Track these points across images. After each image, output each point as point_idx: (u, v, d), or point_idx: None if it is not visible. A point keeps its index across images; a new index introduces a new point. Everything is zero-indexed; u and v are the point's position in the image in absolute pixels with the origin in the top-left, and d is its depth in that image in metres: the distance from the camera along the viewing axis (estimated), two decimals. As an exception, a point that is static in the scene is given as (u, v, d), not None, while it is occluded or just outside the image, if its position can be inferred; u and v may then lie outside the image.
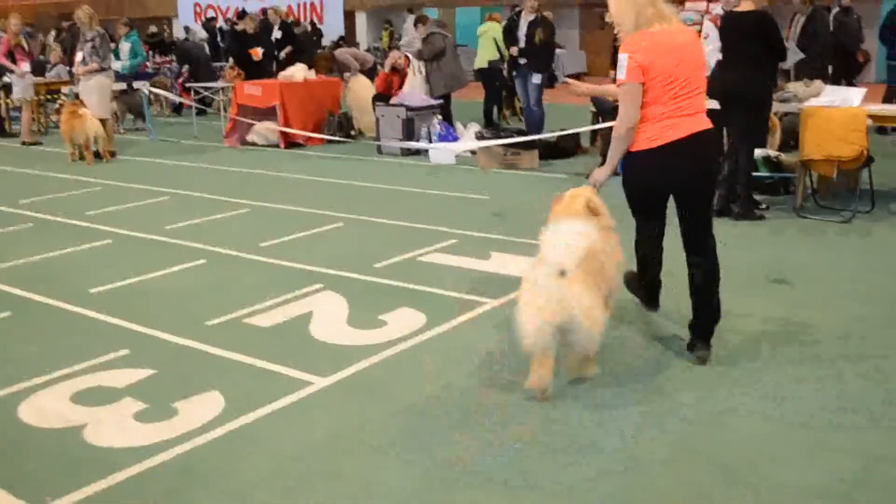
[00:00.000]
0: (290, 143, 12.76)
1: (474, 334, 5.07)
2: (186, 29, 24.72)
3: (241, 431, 3.93)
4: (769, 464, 3.54)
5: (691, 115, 4.37)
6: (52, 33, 22.46)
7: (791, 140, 9.11)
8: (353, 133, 13.28)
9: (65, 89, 14.88)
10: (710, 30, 8.85)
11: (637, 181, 4.63)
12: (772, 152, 8.75)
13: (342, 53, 14.79)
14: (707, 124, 4.44)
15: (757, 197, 7.93)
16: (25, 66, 13.63)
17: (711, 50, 8.29)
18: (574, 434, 3.83)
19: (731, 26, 7.60)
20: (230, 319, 5.39)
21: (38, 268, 6.76)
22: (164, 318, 5.42)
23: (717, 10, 10.63)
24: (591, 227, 4.28)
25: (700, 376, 4.38)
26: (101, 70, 11.86)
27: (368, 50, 22.84)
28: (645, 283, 5.01)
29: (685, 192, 4.51)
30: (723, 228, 7.27)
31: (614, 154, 4.69)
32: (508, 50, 12.07)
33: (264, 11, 17.66)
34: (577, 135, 11.09)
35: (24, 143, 13.90)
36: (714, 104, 8.09)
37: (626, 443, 3.74)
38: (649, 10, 4.30)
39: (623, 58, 4.32)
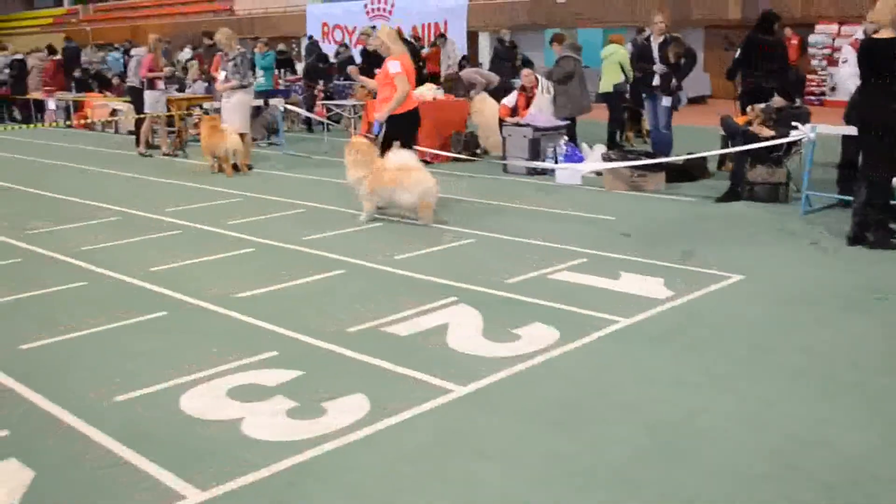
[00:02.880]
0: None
1: (606, 351, 5.18)
2: (310, 37, 25.37)
3: (384, 434, 4.15)
4: (873, 483, 3.56)
5: None
6: (188, 49, 23.55)
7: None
8: (478, 152, 13.52)
9: (206, 104, 15.62)
10: (849, 54, 8.74)
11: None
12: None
13: (469, 73, 15.05)
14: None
15: (893, 226, 7.77)
16: (161, 84, 14.56)
17: (850, 74, 8.20)
18: (673, 443, 3.91)
19: (867, 53, 7.50)
20: (370, 327, 5.63)
21: (188, 272, 7.19)
22: (307, 324, 5.71)
23: (859, 34, 10.47)
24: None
25: (800, 389, 4.39)
26: (242, 87, 12.45)
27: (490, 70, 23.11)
28: None
29: None
30: (856, 256, 7.22)
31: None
32: (638, 72, 12.08)
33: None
34: (704, 158, 11.04)
35: (140, 154, 14.70)
36: (852, 130, 8.01)
37: (726, 454, 3.81)
38: None
39: None
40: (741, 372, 4.79)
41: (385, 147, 9.19)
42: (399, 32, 19.20)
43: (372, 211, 8.99)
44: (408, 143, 9.39)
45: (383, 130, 9.41)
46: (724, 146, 10.76)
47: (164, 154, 14.82)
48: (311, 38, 25.45)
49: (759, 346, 5.18)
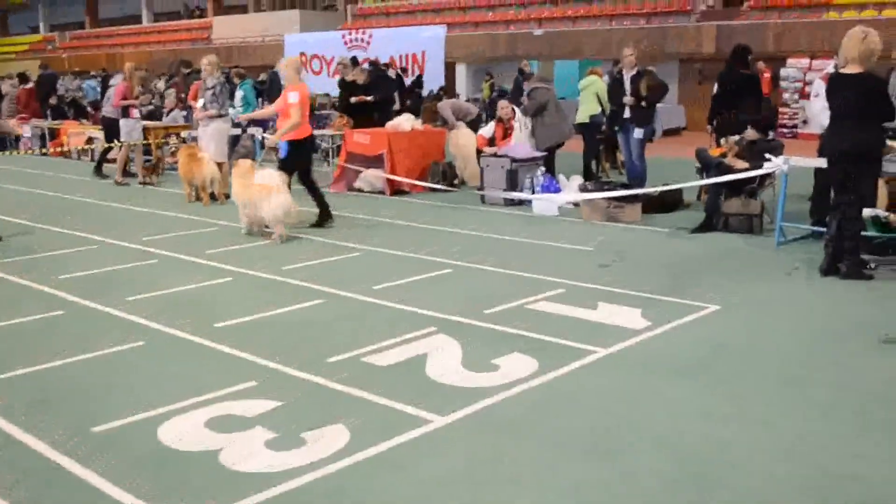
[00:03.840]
0: (396, 190, 13.13)
1: (586, 381, 5.21)
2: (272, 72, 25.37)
3: (366, 464, 4.14)
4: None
5: None
6: (164, 79, 23.53)
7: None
8: (456, 182, 13.59)
9: (184, 133, 15.61)
10: (820, 88, 8.89)
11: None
12: (881, 212, 8.69)
13: (443, 106, 15.15)
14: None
15: (864, 257, 7.88)
16: (136, 112, 14.53)
17: (822, 108, 8.35)
18: (703, 472, 3.93)
19: (838, 86, 7.64)
20: (349, 357, 5.64)
21: (166, 301, 7.16)
22: (286, 354, 5.71)
23: (829, 68, 10.64)
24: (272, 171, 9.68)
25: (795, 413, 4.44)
26: (220, 116, 12.47)
27: (468, 101, 23.27)
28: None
29: None
30: (830, 287, 7.32)
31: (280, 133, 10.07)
32: (613, 104, 12.24)
33: (373, 63, 18.24)
34: (680, 189, 11.16)
35: (117, 183, 14.64)
36: (823, 162, 8.15)
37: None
38: None
39: None
40: (721, 399, 4.84)
41: (286, 170, 10.05)
42: (376, 63, 19.42)
43: (247, 224, 9.98)
44: (305, 167, 10.49)
45: (282, 154, 10.34)
46: (700, 178, 10.89)
47: (141, 182, 14.76)
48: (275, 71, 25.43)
49: (740, 373, 5.24)
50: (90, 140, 17.95)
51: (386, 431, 4.46)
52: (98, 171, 15.52)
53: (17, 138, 21.01)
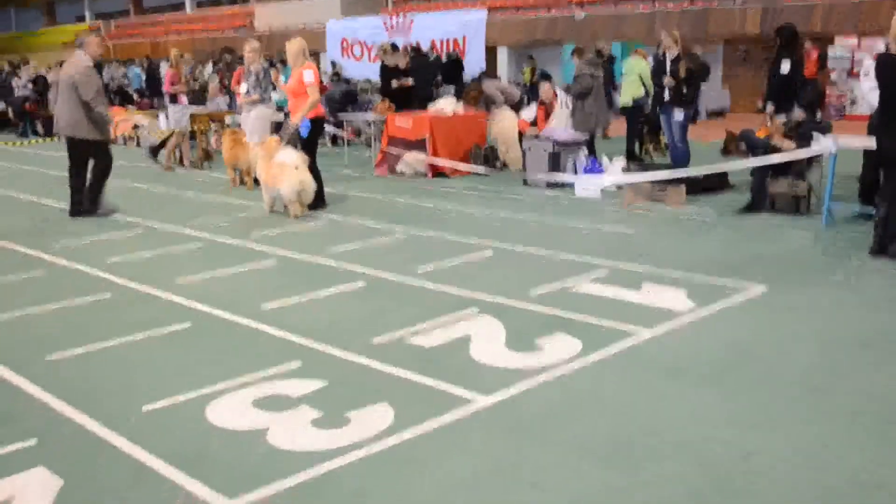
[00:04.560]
0: (438, 173, 13.13)
1: (631, 362, 5.18)
2: (333, 64, 25.66)
3: (411, 443, 4.17)
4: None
5: None
6: (210, 65, 23.71)
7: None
8: (497, 165, 13.56)
9: (227, 119, 15.74)
10: (870, 68, 8.71)
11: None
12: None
13: (490, 86, 15.10)
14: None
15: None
16: (184, 99, 14.73)
17: (871, 88, 8.19)
18: (726, 476, 3.90)
19: (884, 68, 7.49)
20: (394, 338, 5.66)
21: (212, 284, 7.25)
22: (331, 335, 5.75)
23: (880, 46, 10.44)
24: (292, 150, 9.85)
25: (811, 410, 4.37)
26: (262, 101, 12.54)
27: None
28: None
29: None
30: (882, 268, 7.19)
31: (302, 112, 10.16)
32: (655, 86, 12.12)
33: (414, 48, 18.22)
34: (725, 172, 11.03)
35: (166, 169, 14.84)
36: (873, 143, 8.00)
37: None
38: None
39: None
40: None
41: (309, 150, 10.29)
42: (418, 47, 19.39)
43: (268, 201, 10.34)
44: (312, 145, 10.55)
45: (303, 133, 10.45)
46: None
47: (186, 167, 14.93)
48: (333, 64, 25.54)
49: (780, 356, 5.18)
50: (136, 126, 18.16)
51: (430, 411, 4.48)
52: (154, 155, 15.68)
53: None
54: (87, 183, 10.65)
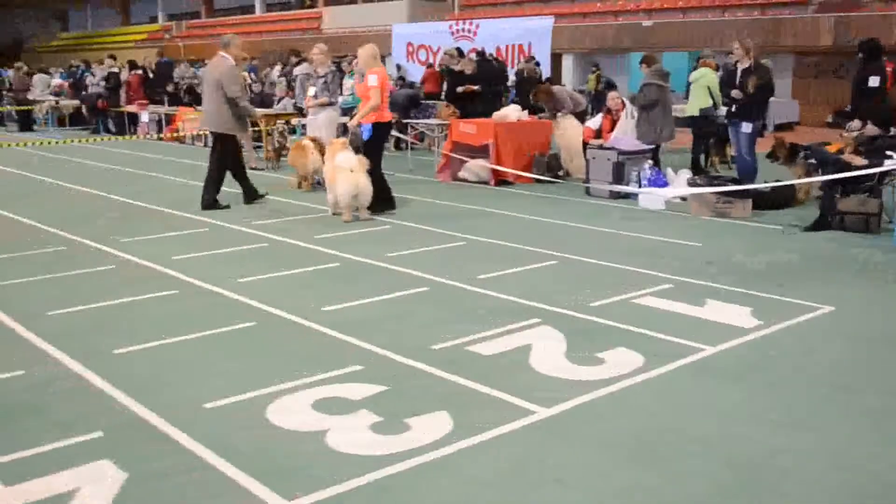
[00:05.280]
0: (501, 181, 13.11)
1: (693, 380, 5.11)
2: (398, 67, 25.80)
3: (469, 452, 4.16)
4: None
5: None
6: (277, 68, 24.00)
7: None
8: (560, 174, 13.50)
9: (294, 121, 15.91)
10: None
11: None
12: None
13: (560, 90, 15.02)
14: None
15: None
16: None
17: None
18: (754, 474, 3.82)
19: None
20: (454, 345, 5.66)
21: (275, 284, 7.33)
22: (391, 339, 5.77)
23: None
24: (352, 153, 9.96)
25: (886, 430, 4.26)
26: (330, 104, 12.65)
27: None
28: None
29: None
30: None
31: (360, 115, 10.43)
32: (724, 96, 11.95)
33: (479, 53, 18.23)
34: (792, 186, 10.84)
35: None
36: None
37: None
38: None
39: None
40: (824, 409, 4.69)
41: (369, 154, 10.21)
42: (483, 53, 19.39)
43: (331, 204, 10.39)
44: (377, 150, 10.52)
45: (365, 136, 10.47)
46: (813, 174, 10.53)
47: (252, 168, 15.12)
48: (398, 68, 25.70)
49: (843, 384, 5.06)
50: (205, 126, 18.44)
51: (489, 421, 4.46)
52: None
53: (136, 123, 21.83)
54: (238, 177, 11.38)
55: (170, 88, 23.50)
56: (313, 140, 12.37)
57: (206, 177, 11.28)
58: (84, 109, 24.55)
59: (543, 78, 21.35)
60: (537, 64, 22.22)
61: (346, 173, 9.78)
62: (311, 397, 4.82)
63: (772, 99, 12.47)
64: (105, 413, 4.66)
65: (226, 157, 11.25)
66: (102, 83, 23.32)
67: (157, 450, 4.21)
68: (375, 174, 10.29)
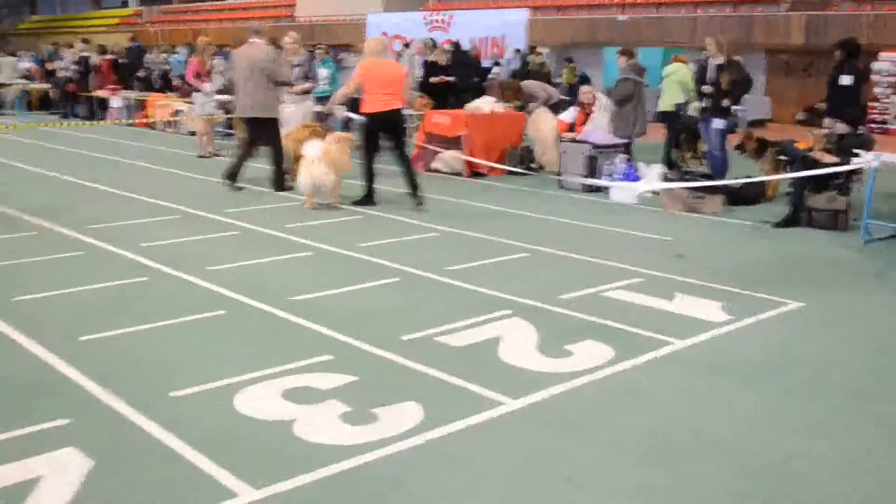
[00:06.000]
0: (474, 172, 13.11)
1: (661, 373, 5.14)
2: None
3: (437, 443, 4.16)
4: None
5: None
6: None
7: None
8: (534, 166, 13.51)
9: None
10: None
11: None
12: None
13: (530, 84, 15.03)
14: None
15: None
16: (207, 87, 14.77)
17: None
18: (767, 479, 3.86)
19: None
20: (424, 336, 5.66)
21: (246, 272, 7.28)
22: (362, 330, 5.75)
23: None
24: (322, 142, 10.02)
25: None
26: (306, 93, 12.58)
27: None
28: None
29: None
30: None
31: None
32: (697, 92, 12.02)
33: (454, 45, 18.20)
34: (762, 182, 10.93)
35: (199, 156, 14.92)
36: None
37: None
38: None
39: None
40: (795, 401, 4.74)
41: (366, 143, 10.35)
42: (458, 44, 19.36)
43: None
44: (372, 143, 10.36)
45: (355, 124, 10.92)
46: (783, 170, 10.63)
47: (199, 156, 14.96)
48: None
49: (813, 378, 5.12)
50: (176, 112, 18.30)
51: (458, 412, 4.47)
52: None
53: (105, 108, 21.59)
54: (272, 163, 11.42)
55: (141, 74, 23.24)
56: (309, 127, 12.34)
57: (239, 156, 11.44)
58: (52, 94, 24.24)
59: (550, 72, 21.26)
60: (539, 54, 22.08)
61: (307, 163, 9.84)
62: (280, 387, 4.80)
63: (745, 96, 12.57)
64: (71, 400, 4.62)
65: (278, 139, 11.26)
66: (73, 67, 23.04)
67: (125, 437, 4.18)
68: (365, 167, 10.37)
